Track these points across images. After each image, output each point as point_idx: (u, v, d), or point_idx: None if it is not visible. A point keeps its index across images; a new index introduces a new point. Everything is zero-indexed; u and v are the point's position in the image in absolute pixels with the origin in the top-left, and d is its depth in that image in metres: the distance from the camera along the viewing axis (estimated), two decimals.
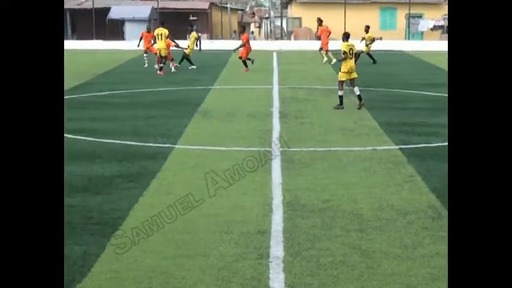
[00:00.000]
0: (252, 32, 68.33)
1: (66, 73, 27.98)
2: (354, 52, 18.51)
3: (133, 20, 54.19)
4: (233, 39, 55.18)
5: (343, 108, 18.14)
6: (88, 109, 18.31)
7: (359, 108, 18.04)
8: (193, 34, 30.92)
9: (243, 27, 32.61)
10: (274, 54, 40.90)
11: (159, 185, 10.31)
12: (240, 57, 29.63)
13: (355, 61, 18.80)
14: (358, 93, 18.28)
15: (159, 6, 53.70)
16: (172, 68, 28.78)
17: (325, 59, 33.29)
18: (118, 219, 8.52)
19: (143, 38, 30.24)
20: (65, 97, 20.49)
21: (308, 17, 53.82)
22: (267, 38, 67.51)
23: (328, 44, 33.59)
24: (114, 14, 55.28)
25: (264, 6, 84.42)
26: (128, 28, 54.22)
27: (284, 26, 60.50)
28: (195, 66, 29.94)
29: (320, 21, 34.21)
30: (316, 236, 7.94)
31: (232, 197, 9.62)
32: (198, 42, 32.04)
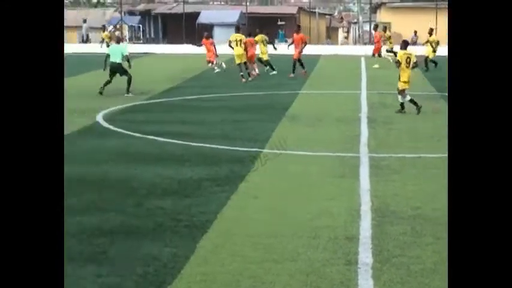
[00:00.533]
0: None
1: (157, 76, 28.41)
2: (412, 61, 17.94)
3: (222, 25, 54.68)
4: (327, 44, 55.10)
5: (404, 112, 18.05)
6: (177, 112, 18.55)
7: (418, 113, 17.86)
8: (260, 37, 30.08)
9: (298, 26, 31.40)
10: (362, 59, 40.60)
11: (246, 188, 10.35)
12: (295, 59, 28.67)
13: (413, 68, 18.25)
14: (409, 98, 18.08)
15: (248, 11, 54.04)
16: (255, 70, 28.25)
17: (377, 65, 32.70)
18: (206, 222, 8.59)
19: (204, 45, 30.23)
20: (155, 100, 20.85)
21: (397, 22, 53.16)
22: (355, 43, 67.14)
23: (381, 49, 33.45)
24: (204, 18, 55.93)
25: (353, 11, 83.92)
26: (217, 32, 54.77)
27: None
28: (275, 72, 29.43)
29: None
30: (406, 243, 7.81)
31: (319, 202, 9.57)
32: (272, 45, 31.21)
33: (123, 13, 52.21)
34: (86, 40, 49.37)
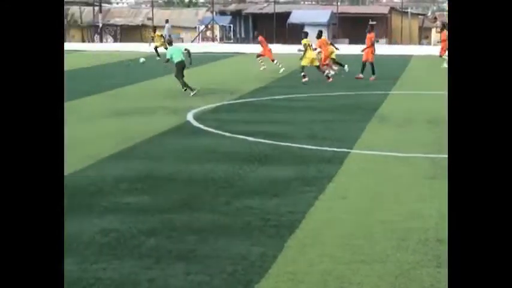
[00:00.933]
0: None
1: (246, 76, 28.58)
2: None
3: (312, 24, 54.64)
4: (421, 45, 54.32)
5: None
6: (266, 112, 18.62)
7: None
8: (305, 41, 28.92)
9: (371, 26, 30.29)
10: None
11: (335, 189, 10.30)
12: (365, 62, 27.62)
13: None
14: None
15: (339, 11, 53.79)
16: (329, 72, 27.78)
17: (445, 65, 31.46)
18: (295, 222, 8.59)
19: (261, 42, 30.58)
20: (244, 100, 20.98)
21: None
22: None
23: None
24: (295, 18, 55.95)
25: (446, 11, 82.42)
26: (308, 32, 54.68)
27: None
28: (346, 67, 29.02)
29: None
30: None
31: (409, 204, 9.44)
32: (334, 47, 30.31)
33: (214, 13, 52.77)
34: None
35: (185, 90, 22.00)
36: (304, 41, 26.43)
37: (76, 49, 38.60)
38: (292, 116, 17.96)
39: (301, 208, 9.20)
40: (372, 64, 27.47)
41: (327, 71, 27.09)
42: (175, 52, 22.45)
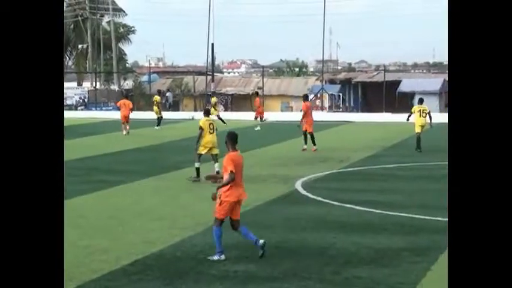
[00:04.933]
0: None
1: (356, 144, 28.41)
2: None
3: (423, 93, 54.17)
4: None
5: None
6: (375, 181, 18.41)
7: None
8: (417, 106, 27.82)
9: None
10: None
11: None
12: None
13: None
14: None
15: None
16: None
17: None
18: None
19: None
20: (353, 168, 20.82)
21: None
22: None
23: None
24: (405, 86, 55.59)
25: None
26: (417, 100, 54.20)
27: None
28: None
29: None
30: None
31: None
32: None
33: (324, 81, 53.13)
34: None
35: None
36: (417, 108, 26.28)
37: (187, 118, 39.53)
38: (403, 184, 17.68)
39: (412, 279, 8.98)
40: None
41: None
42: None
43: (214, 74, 53.87)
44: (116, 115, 46.19)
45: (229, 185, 10.23)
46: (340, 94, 55.06)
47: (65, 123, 31.48)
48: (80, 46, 66.79)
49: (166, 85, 53.98)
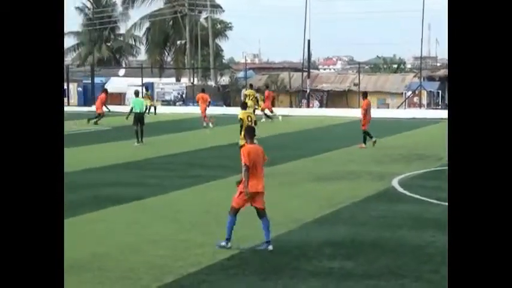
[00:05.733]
0: None
1: None
2: None
3: None
4: None
5: None
6: None
7: None
8: None
9: None
10: None
11: None
12: None
13: None
14: None
15: None
16: None
17: None
18: None
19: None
20: None
21: None
22: None
23: None
24: None
25: None
26: None
27: None
28: None
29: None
30: None
31: None
32: None
33: (422, 78, 52.24)
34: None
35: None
36: None
37: (283, 114, 39.62)
38: None
39: None
40: None
41: None
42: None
43: (310, 70, 53.70)
44: (212, 111, 46.85)
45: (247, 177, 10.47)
46: (440, 91, 54.01)
47: (163, 119, 32.28)
48: (178, 42, 67.83)
49: (262, 81, 54.17)
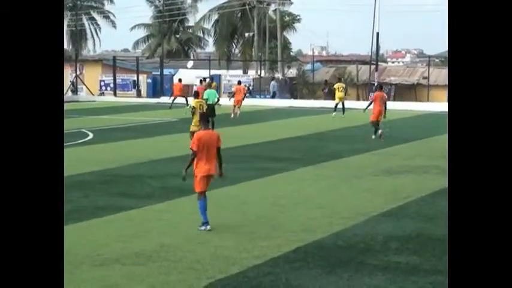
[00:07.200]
0: None
1: None
2: None
3: None
4: None
5: None
6: None
7: None
8: None
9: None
10: None
11: None
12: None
13: None
14: None
15: None
16: None
17: None
18: None
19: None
20: None
21: None
22: None
23: None
24: None
25: None
26: None
27: None
28: None
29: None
30: None
31: None
32: None
33: None
34: None
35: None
36: None
37: (349, 107, 39.33)
38: None
39: None
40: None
41: None
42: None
43: (378, 63, 53.21)
44: (279, 103, 46.81)
45: (197, 162, 11.17)
46: None
47: (229, 111, 32.39)
48: (246, 34, 68.04)
49: (330, 74, 53.93)
